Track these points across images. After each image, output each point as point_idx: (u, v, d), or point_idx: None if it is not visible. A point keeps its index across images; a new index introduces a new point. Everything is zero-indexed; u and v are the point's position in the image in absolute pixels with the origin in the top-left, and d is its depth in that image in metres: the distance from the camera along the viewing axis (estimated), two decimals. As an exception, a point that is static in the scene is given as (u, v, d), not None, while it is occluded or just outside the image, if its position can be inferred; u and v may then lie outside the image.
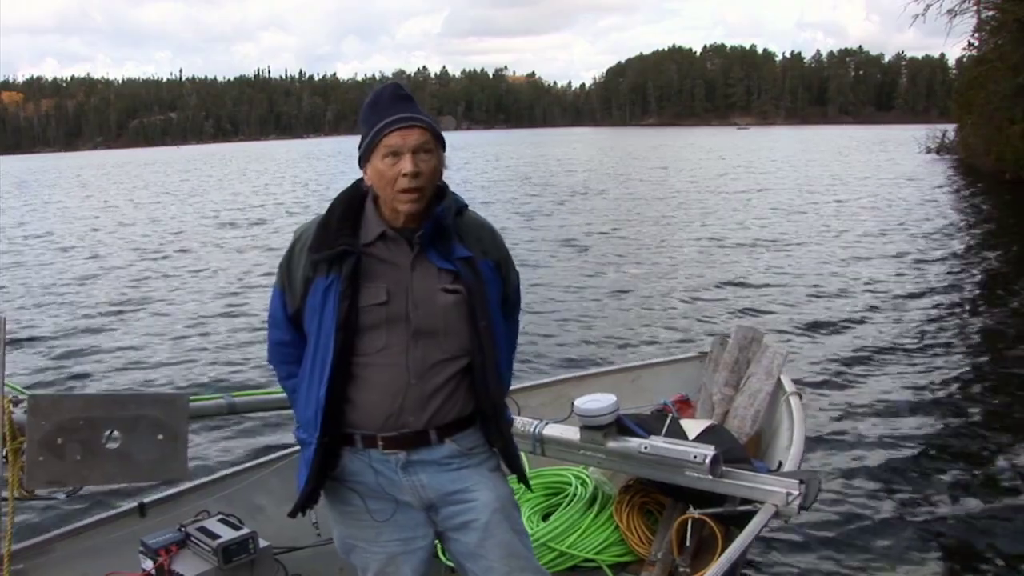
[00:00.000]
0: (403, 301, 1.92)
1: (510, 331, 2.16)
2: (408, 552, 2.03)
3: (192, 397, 2.73)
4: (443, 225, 1.94)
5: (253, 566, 2.61)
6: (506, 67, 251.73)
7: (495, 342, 1.98)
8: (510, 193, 24.09)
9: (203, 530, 2.64)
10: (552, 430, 3.10)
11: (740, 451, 3.04)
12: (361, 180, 2.00)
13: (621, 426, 2.89)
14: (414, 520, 2.03)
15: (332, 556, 2.85)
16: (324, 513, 2.20)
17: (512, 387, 2.97)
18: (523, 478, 2.15)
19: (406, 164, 1.87)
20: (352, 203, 1.99)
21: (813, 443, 4.65)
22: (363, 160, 1.96)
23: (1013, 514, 4.01)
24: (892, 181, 24.46)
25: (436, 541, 2.11)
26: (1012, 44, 21.80)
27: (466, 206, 2.05)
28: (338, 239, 1.92)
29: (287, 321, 2.02)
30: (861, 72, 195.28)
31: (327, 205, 2.03)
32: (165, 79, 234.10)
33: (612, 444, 2.88)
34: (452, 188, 2.04)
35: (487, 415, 2.01)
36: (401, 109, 1.91)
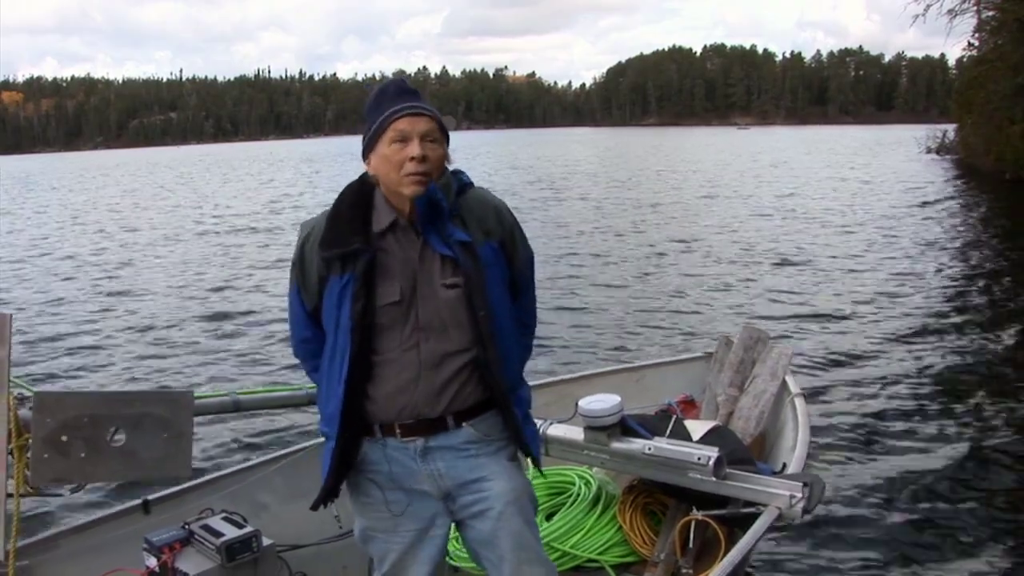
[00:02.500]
0: (413, 297, 1.92)
1: (523, 309, 2.13)
2: (425, 541, 2.05)
3: (197, 394, 2.72)
4: (436, 200, 1.90)
5: (256, 564, 2.61)
6: (506, 67, 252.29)
7: (498, 330, 1.96)
8: (513, 193, 24.07)
9: (207, 528, 2.63)
10: (556, 430, 3.09)
11: (744, 452, 3.03)
12: (366, 174, 1.98)
13: (625, 427, 2.89)
14: (431, 510, 2.04)
15: (336, 554, 2.86)
16: (342, 506, 2.20)
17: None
18: (536, 462, 2.15)
19: (414, 148, 1.86)
20: (360, 196, 1.97)
21: (818, 445, 4.65)
22: (368, 150, 1.94)
23: (1020, 517, 4.01)
24: (893, 182, 24.45)
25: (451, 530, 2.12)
26: (1012, 44, 21.82)
27: (471, 184, 2.02)
28: (350, 236, 1.90)
29: (307, 318, 2.03)
30: (861, 72, 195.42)
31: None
32: (165, 79, 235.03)
33: (616, 445, 2.88)
34: None
35: (499, 403, 2.01)
36: (409, 100, 1.92)
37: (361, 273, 1.88)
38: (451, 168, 2.00)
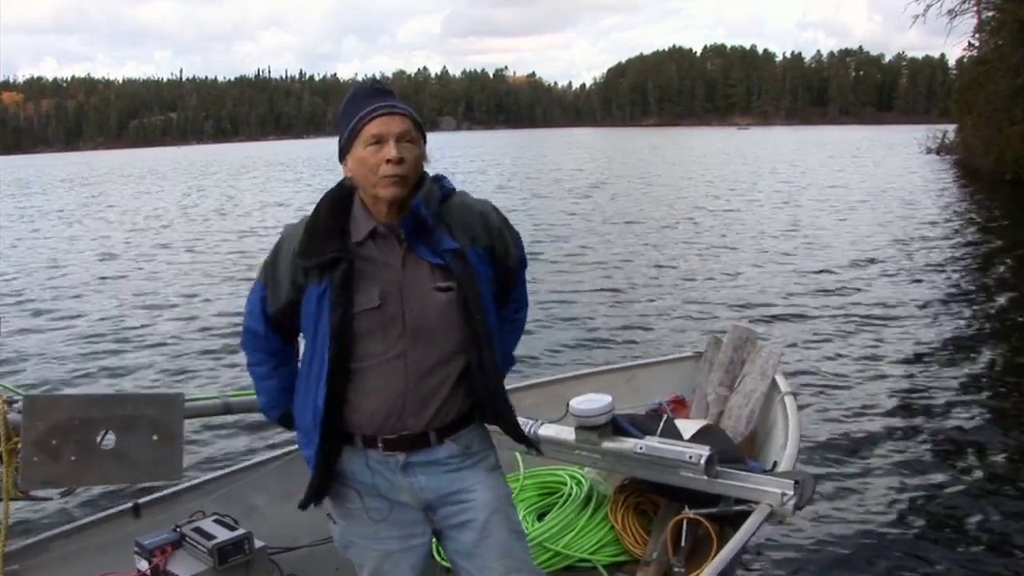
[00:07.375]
0: (398, 302, 1.89)
1: (517, 299, 2.15)
2: (406, 550, 2.02)
3: (188, 397, 2.73)
4: (421, 216, 1.89)
5: (248, 567, 2.60)
6: (506, 67, 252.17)
7: (490, 335, 1.94)
8: (512, 193, 24.07)
9: (198, 530, 2.63)
10: (547, 430, 3.09)
11: (735, 451, 3.04)
12: (345, 180, 1.96)
13: (616, 426, 2.89)
14: (412, 519, 2.02)
15: (328, 556, 2.86)
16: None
17: (508, 387, 2.98)
18: (531, 446, 2.23)
19: (390, 150, 1.83)
20: (338, 203, 1.95)
21: (808, 443, 4.65)
22: (344, 152, 1.92)
23: (1012, 515, 4.01)
24: (892, 183, 24.43)
25: (434, 540, 2.10)
26: (1012, 45, 21.81)
27: (453, 190, 2.00)
28: (327, 244, 1.89)
29: (263, 317, 2.01)
30: (861, 72, 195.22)
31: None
32: (165, 79, 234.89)
33: (607, 444, 2.87)
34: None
35: (486, 404, 1.99)
36: (382, 99, 1.90)
37: (339, 281, 1.86)
38: (433, 174, 1.98)
